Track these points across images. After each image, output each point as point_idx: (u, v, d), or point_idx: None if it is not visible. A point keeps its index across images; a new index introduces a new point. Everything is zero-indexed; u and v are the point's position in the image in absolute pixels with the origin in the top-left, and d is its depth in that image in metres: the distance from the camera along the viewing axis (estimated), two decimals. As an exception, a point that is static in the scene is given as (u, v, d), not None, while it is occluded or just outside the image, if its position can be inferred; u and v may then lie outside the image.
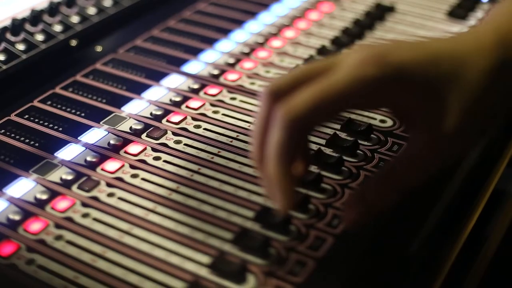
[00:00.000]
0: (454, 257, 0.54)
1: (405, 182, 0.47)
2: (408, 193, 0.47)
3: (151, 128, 0.61)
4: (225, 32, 0.77)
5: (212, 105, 0.65)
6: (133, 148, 0.59)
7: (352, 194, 0.51)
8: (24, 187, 0.54)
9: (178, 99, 0.65)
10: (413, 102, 0.46)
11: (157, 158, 0.58)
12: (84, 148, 0.59)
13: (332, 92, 0.44)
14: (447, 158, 0.48)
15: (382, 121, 0.61)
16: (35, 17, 0.72)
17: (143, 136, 0.60)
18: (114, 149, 0.58)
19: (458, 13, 0.79)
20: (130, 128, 0.61)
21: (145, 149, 0.59)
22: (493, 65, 0.46)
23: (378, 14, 0.79)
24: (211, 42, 0.75)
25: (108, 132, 0.61)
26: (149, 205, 0.53)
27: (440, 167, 0.47)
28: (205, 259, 0.48)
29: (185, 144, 0.59)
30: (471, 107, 0.45)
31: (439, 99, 0.45)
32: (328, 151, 0.57)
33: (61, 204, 0.52)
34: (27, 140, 0.60)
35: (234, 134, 0.60)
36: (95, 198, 0.53)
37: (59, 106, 0.64)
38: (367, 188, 0.49)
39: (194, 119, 0.62)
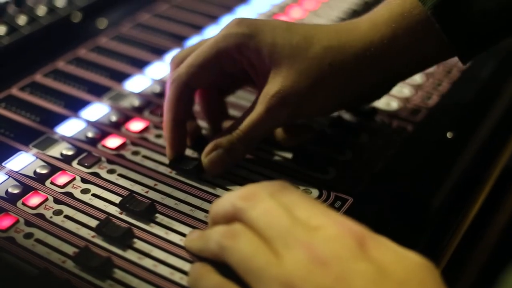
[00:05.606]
0: (465, 228, 0.54)
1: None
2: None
3: (153, 107, 0.60)
4: (230, 8, 0.76)
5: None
6: (135, 125, 0.58)
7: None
8: (24, 161, 0.54)
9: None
10: (261, 63, 0.52)
11: (158, 136, 0.57)
12: (85, 124, 0.58)
13: (201, 54, 0.52)
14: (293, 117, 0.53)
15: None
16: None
17: (145, 113, 0.60)
18: (115, 126, 0.58)
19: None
20: (131, 104, 0.60)
21: (147, 126, 0.58)
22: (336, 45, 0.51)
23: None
24: (215, 18, 0.74)
25: (110, 108, 0.60)
26: (150, 182, 0.52)
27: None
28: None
29: (187, 122, 0.59)
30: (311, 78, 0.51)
31: (280, 65, 0.51)
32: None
33: (61, 179, 0.52)
34: (27, 115, 0.59)
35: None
36: (95, 174, 0.53)
37: (61, 81, 0.64)
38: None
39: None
